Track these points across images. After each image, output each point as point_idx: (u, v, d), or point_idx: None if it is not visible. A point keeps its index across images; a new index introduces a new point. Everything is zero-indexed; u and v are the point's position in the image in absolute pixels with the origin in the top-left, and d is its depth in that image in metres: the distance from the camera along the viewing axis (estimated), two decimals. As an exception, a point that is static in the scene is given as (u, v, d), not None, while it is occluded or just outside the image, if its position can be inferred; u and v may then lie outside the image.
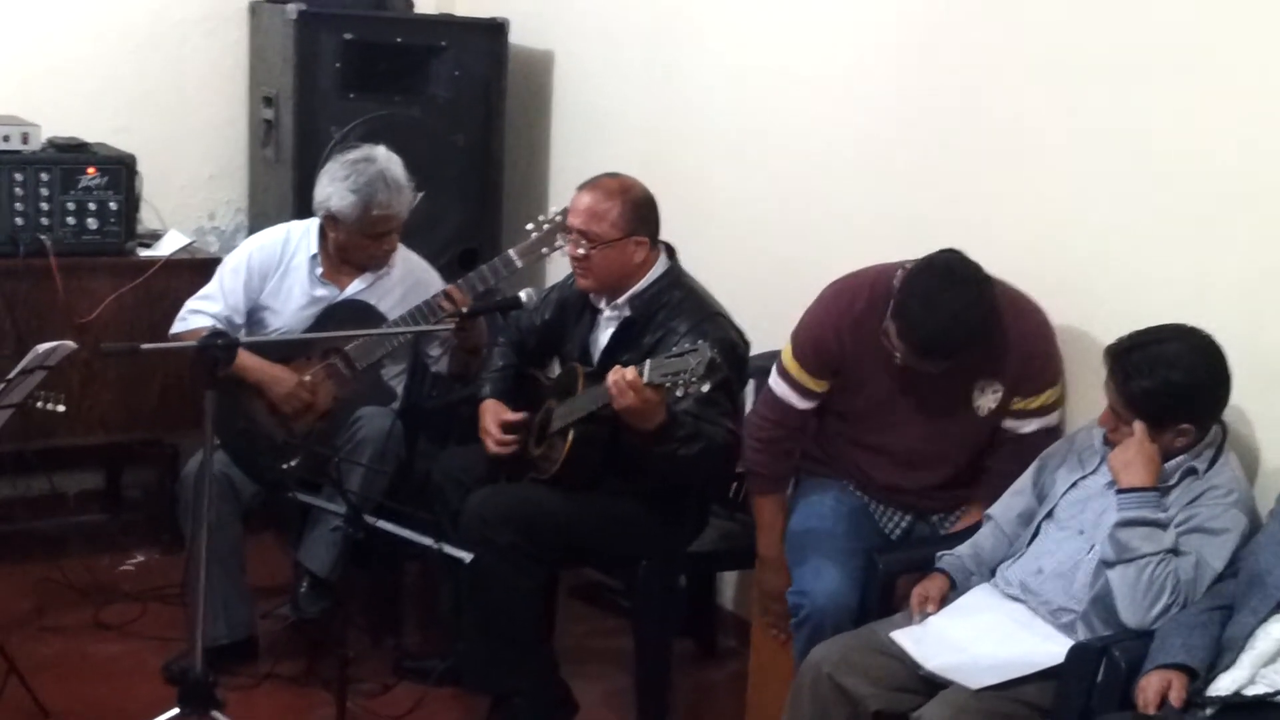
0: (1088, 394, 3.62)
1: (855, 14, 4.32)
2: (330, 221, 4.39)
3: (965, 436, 3.74)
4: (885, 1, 4.25)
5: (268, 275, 4.46)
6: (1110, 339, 3.30)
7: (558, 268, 4.91)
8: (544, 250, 4.40)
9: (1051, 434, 3.68)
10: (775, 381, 3.83)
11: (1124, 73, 3.60)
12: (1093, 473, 3.39)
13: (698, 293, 4.04)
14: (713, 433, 3.80)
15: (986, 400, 3.67)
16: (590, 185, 4.02)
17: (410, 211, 4.49)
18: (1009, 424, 3.70)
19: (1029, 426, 3.68)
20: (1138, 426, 3.21)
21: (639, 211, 3.99)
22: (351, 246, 4.40)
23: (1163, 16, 3.53)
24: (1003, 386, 3.64)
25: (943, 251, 3.54)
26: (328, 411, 4.37)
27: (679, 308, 3.96)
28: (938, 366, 3.54)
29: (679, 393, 3.52)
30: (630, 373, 3.60)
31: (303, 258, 4.46)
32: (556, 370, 4.27)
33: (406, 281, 4.52)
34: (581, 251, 3.97)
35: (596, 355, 4.07)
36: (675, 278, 4.04)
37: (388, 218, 4.37)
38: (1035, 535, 3.44)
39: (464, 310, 4.26)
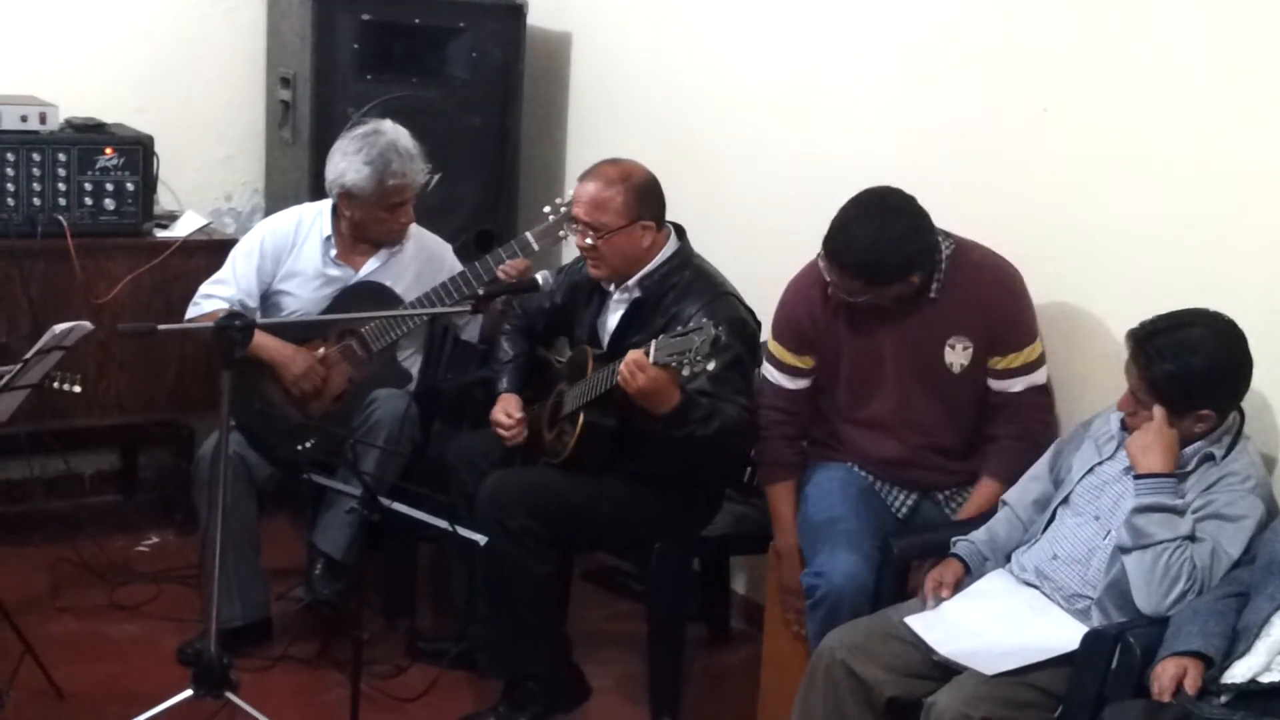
0: (1105, 381, 3.62)
1: (873, 1, 4.32)
2: (346, 199, 4.37)
3: (945, 395, 3.78)
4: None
5: (281, 258, 4.45)
6: (1130, 324, 3.29)
7: (571, 249, 4.91)
8: (560, 234, 4.40)
9: (1041, 391, 3.75)
10: (765, 368, 3.94)
11: (1144, 61, 3.60)
12: (1110, 458, 3.37)
13: (707, 272, 4.04)
14: (728, 410, 3.80)
15: (958, 357, 3.73)
16: (591, 174, 4.01)
17: (426, 189, 4.49)
18: (997, 385, 3.75)
19: (1017, 386, 3.74)
20: (1157, 412, 3.20)
21: (642, 196, 3.98)
22: (368, 222, 4.39)
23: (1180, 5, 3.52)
24: (972, 343, 3.71)
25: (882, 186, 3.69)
26: (343, 393, 4.37)
27: (689, 288, 3.96)
28: (858, 285, 3.61)
29: (685, 371, 3.52)
30: (637, 355, 3.61)
31: (315, 240, 4.45)
32: (566, 350, 4.26)
33: (420, 259, 4.51)
34: (590, 242, 3.96)
35: (606, 338, 4.07)
36: (685, 258, 4.04)
37: (403, 187, 4.36)
38: (1051, 521, 3.43)
39: (481, 291, 4.25)
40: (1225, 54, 3.43)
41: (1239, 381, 3.21)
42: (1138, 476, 3.19)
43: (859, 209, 3.64)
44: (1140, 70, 3.60)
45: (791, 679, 3.67)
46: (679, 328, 3.65)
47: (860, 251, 3.59)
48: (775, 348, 3.90)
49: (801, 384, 3.89)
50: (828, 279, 3.69)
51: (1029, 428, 3.73)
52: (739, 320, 3.93)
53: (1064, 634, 3.21)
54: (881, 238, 3.57)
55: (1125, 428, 3.34)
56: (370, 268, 4.46)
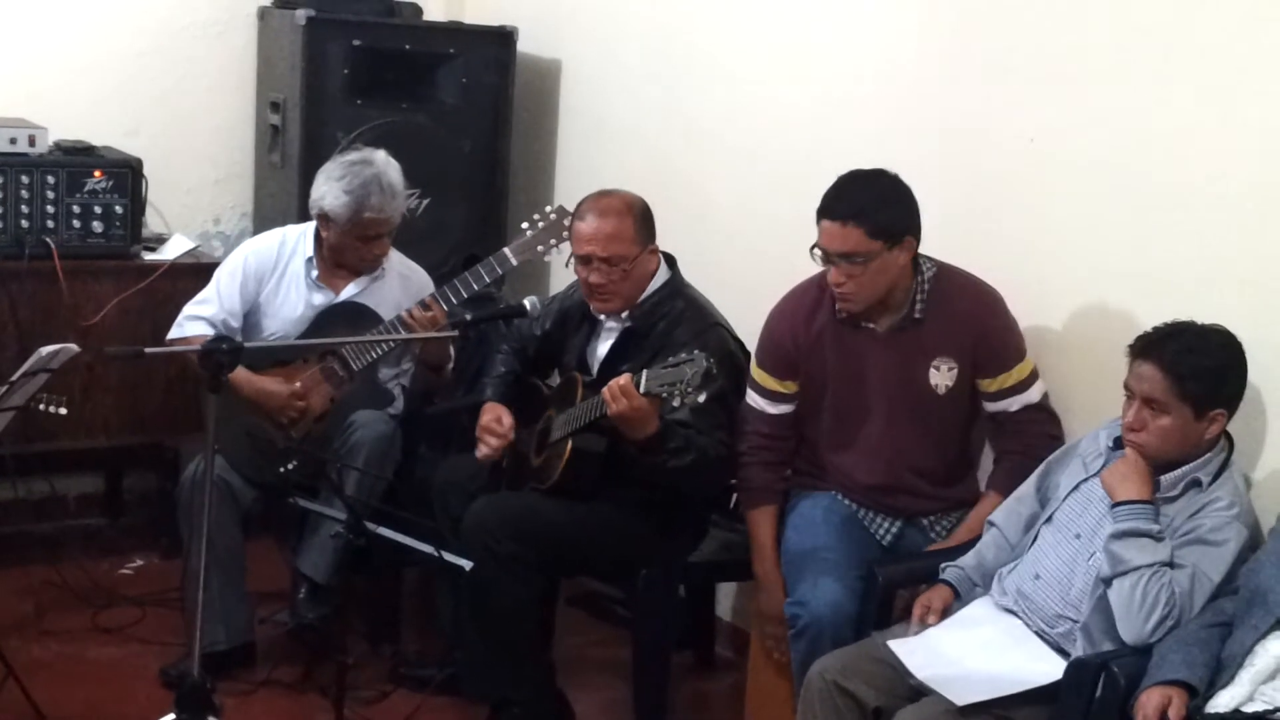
0: (1090, 405, 3.65)
1: (859, 24, 4.33)
2: (323, 221, 4.40)
3: (929, 418, 3.79)
4: (888, 12, 4.25)
5: (263, 278, 4.46)
6: (1115, 350, 3.31)
7: (558, 278, 4.92)
8: (539, 248, 4.41)
9: (1039, 409, 3.76)
10: (749, 394, 3.94)
11: (1129, 91, 3.62)
12: (1096, 475, 3.37)
13: (698, 303, 4.05)
14: (705, 445, 3.80)
15: (943, 378, 3.74)
16: (591, 210, 3.99)
17: (409, 217, 4.50)
18: (995, 407, 3.77)
19: (1014, 406, 3.76)
20: (1130, 451, 3.23)
21: (646, 221, 4.01)
22: (343, 248, 4.41)
23: (1162, 16, 3.55)
24: (957, 363, 3.73)
25: None
26: (324, 413, 4.37)
27: (679, 318, 3.96)
28: (857, 235, 3.59)
29: (675, 402, 3.53)
30: (624, 379, 3.61)
31: (299, 261, 4.47)
32: (557, 380, 4.26)
33: (402, 286, 4.52)
34: (615, 278, 3.95)
35: (595, 366, 4.07)
36: (676, 288, 4.04)
37: (379, 221, 4.37)
38: (1034, 540, 3.44)
39: (468, 318, 4.26)
40: (1209, 85, 3.45)
41: (1243, 383, 3.24)
42: (1115, 504, 3.20)
43: (852, 173, 3.69)
44: (1125, 100, 3.62)
45: (776, 707, 3.68)
46: (670, 358, 3.65)
47: (856, 194, 3.62)
48: (758, 373, 3.90)
49: (784, 409, 3.89)
50: (822, 252, 3.65)
51: (1033, 443, 3.73)
52: (727, 353, 3.94)
53: (1040, 666, 3.21)
54: (878, 188, 3.64)
55: (1115, 445, 3.35)
56: (350, 292, 4.47)
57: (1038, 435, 3.74)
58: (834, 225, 3.62)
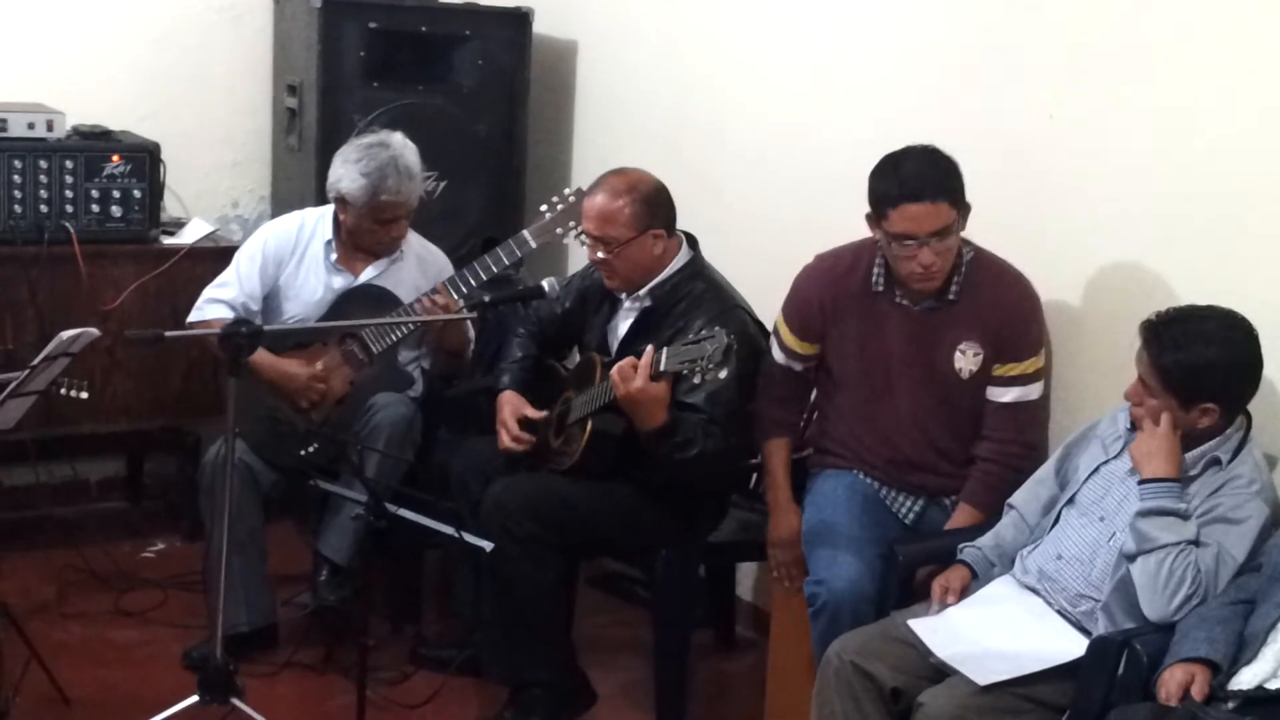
0: (1106, 387, 3.63)
1: (875, 8, 4.32)
2: (340, 204, 4.40)
3: (950, 400, 3.78)
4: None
5: (283, 262, 4.47)
6: (1134, 323, 3.29)
7: (577, 260, 4.91)
8: (558, 230, 4.42)
9: (1029, 407, 3.75)
10: (771, 346, 3.97)
11: (1148, 69, 3.60)
12: (1116, 457, 3.37)
13: (718, 285, 4.04)
14: (714, 433, 3.80)
15: (968, 362, 3.73)
16: (598, 187, 4.00)
17: (425, 200, 4.50)
18: (991, 392, 3.75)
19: (1008, 395, 3.74)
20: (1164, 419, 3.20)
21: (650, 205, 3.97)
22: (360, 231, 4.42)
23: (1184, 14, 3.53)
24: (982, 349, 3.72)
25: None
26: (344, 396, 4.39)
27: (699, 300, 3.96)
28: (941, 209, 3.56)
29: (696, 379, 3.54)
30: (645, 356, 3.63)
31: (318, 244, 4.48)
32: (577, 360, 4.26)
33: (420, 268, 4.53)
34: (601, 255, 3.96)
35: (615, 345, 4.07)
36: (697, 269, 4.04)
37: (396, 204, 4.37)
38: (1056, 521, 3.43)
39: (486, 299, 4.26)
40: (1228, 61, 3.43)
41: (1248, 379, 3.21)
42: (1141, 482, 3.19)
43: (899, 155, 3.64)
44: (1145, 77, 3.61)
45: (797, 686, 3.68)
46: (690, 335, 3.66)
47: (927, 172, 3.58)
48: (782, 327, 3.92)
49: (798, 367, 3.93)
50: (904, 239, 3.58)
51: (1006, 450, 3.73)
52: (747, 335, 3.93)
53: (1061, 644, 3.21)
54: (934, 160, 3.61)
55: (1133, 427, 3.33)
56: (370, 274, 4.48)
57: (1015, 441, 3.74)
58: (924, 206, 3.56)
